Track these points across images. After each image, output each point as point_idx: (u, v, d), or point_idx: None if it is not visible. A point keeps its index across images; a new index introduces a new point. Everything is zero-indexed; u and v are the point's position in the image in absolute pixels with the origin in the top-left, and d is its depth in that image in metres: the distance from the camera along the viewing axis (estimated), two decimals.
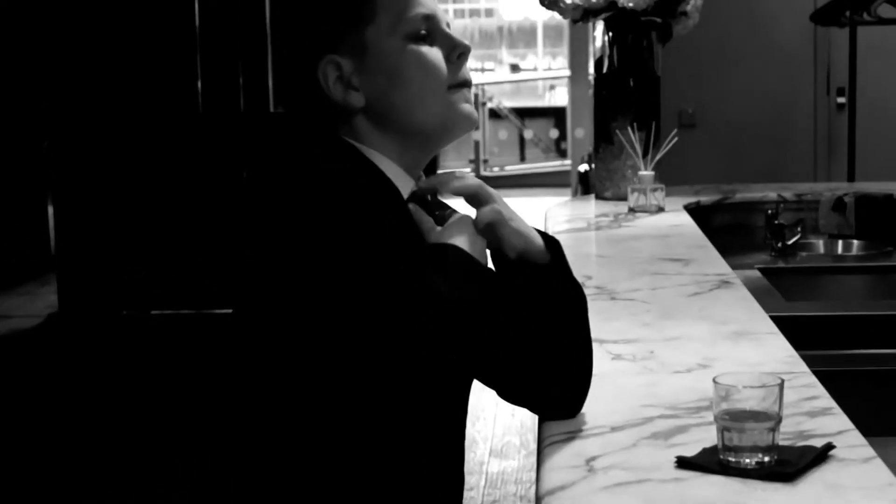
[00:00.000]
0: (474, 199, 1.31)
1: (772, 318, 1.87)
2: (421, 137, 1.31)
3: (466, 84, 1.32)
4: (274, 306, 1.18)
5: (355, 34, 1.28)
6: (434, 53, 1.29)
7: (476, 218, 1.31)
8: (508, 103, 11.58)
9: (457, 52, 1.31)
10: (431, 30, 1.30)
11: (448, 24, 1.34)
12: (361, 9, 1.27)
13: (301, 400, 1.21)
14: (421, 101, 1.28)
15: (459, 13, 13.64)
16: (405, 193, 1.31)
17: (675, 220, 2.97)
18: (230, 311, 1.26)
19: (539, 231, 1.37)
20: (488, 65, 13.25)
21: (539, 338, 1.26)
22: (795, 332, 1.86)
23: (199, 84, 6.00)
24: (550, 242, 1.36)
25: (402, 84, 1.28)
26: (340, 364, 1.18)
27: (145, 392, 4.78)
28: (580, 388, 1.35)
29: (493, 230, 1.31)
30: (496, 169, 11.05)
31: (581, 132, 8.85)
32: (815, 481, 1.14)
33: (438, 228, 1.30)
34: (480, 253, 1.28)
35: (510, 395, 1.30)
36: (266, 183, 1.24)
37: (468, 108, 1.32)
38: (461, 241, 1.26)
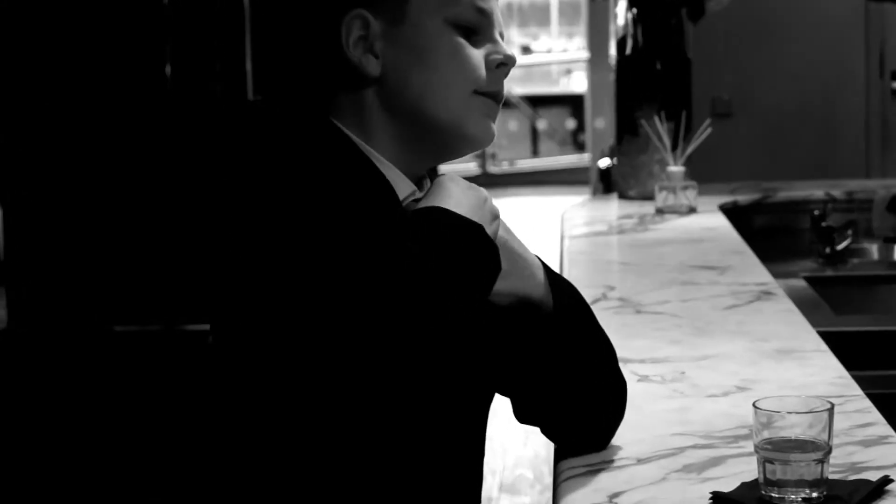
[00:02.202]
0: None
1: (819, 333, 1.87)
2: (428, 133, 1.30)
3: (497, 97, 1.32)
4: (250, 311, 1.19)
5: None
6: (473, 52, 1.29)
7: None
8: (519, 90, 11.60)
9: (498, 61, 1.31)
10: (481, 27, 1.30)
11: (501, 34, 1.33)
12: None
13: (289, 407, 1.21)
14: (440, 92, 1.28)
15: None
16: (402, 196, 1.30)
17: (709, 222, 2.97)
18: (205, 326, 1.26)
19: (550, 270, 1.34)
20: None
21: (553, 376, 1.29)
22: (846, 349, 1.86)
23: (168, 69, 6.01)
24: (559, 283, 1.33)
25: (427, 68, 1.28)
26: (323, 367, 1.17)
27: (109, 418, 4.78)
28: (604, 424, 1.35)
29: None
30: (505, 164, 11.06)
31: (601, 123, 8.85)
32: None
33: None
34: (475, 210, 1.24)
35: (524, 415, 1.34)
36: (236, 175, 1.24)
37: (488, 122, 1.32)
38: (450, 202, 1.23)
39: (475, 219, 1.22)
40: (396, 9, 1.27)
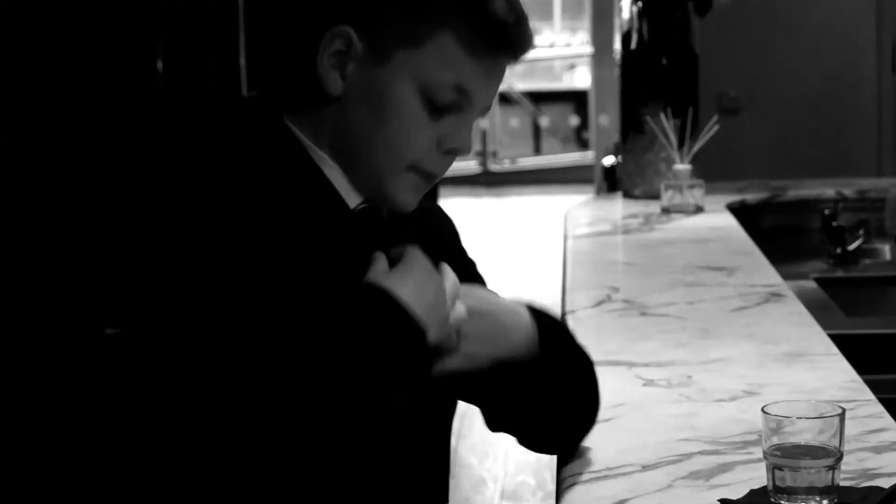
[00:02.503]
0: None
1: (830, 336, 1.86)
2: (357, 173, 1.30)
3: (432, 178, 1.31)
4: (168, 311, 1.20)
5: (389, 38, 1.26)
6: (428, 129, 1.27)
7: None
8: (520, 86, 11.61)
9: (449, 147, 1.29)
10: (454, 106, 1.28)
11: (486, 109, 1.31)
12: (418, 28, 1.25)
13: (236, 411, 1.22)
14: (379, 149, 1.27)
15: None
16: (353, 205, 1.31)
17: (717, 221, 2.96)
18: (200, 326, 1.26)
19: (537, 313, 1.37)
20: None
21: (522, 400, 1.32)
22: (858, 352, 1.85)
23: (161, 65, 6.00)
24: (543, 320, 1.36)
25: (378, 120, 1.27)
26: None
27: (105, 419, 4.77)
28: (577, 433, 1.38)
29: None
30: (507, 162, 11.06)
31: (605, 119, 8.85)
32: None
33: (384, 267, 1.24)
34: (430, 308, 1.20)
35: (495, 424, 1.37)
36: (168, 170, 1.26)
37: (412, 196, 1.30)
38: (407, 289, 1.19)
39: (425, 317, 1.19)
40: (382, 50, 1.26)
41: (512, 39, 1.29)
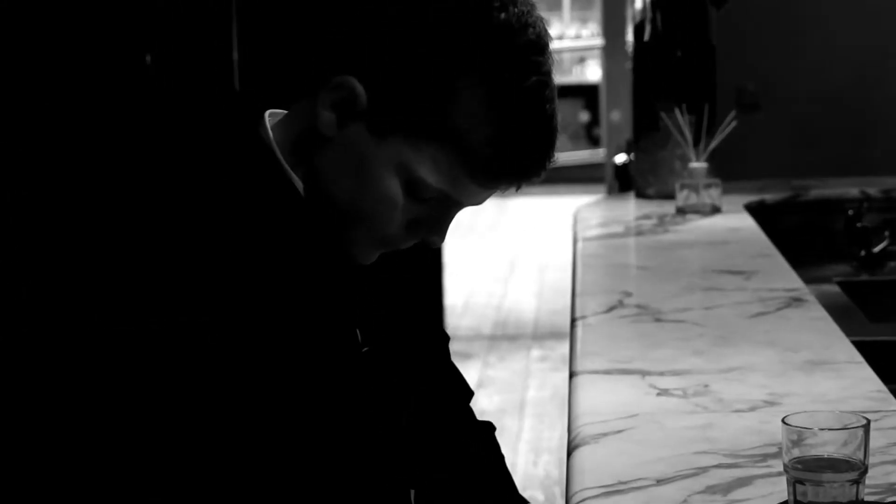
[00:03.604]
0: None
1: (854, 343, 1.86)
2: (321, 213, 1.31)
3: (395, 247, 1.33)
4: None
5: (390, 119, 1.25)
6: (404, 212, 1.28)
7: None
8: None
9: (417, 232, 1.30)
10: (434, 201, 1.28)
11: (469, 204, 1.32)
12: (420, 130, 1.24)
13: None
14: (349, 214, 1.28)
15: None
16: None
17: (734, 223, 2.96)
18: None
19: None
20: None
21: None
22: (883, 360, 1.86)
23: (149, 58, 6.01)
24: None
25: (354, 185, 1.27)
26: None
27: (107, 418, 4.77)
28: None
29: None
30: None
31: (617, 115, 8.85)
32: None
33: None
34: None
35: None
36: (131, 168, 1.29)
37: (373, 252, 1.32)
38: None
39: None
40: (381, 126, 1.26)
41: (527, 174, 1.28)
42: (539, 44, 1.26)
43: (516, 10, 1.24)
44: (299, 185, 1.30)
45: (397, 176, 1.26)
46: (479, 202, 1.31)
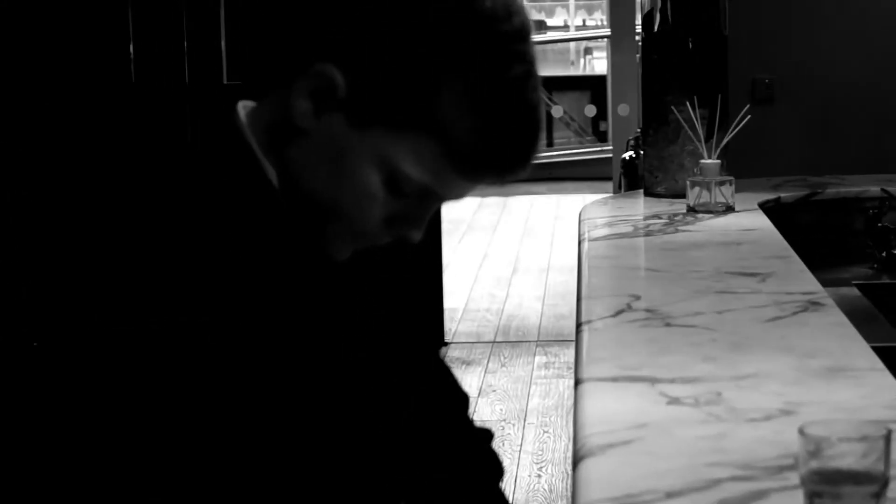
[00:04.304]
0: None
1: (874, 349, 1.86)
2: (295, 207, 1.31)
3: (372, 244, 1.33)
4: None
5: (372, 107, 1.26)
6: (383, 206, 1.28)
7: None
8: None
9: (399, 232, 1.31)
10: (415, 195, 1.28)
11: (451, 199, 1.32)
12: (404, 117, 1.24)
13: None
14: (320, 203, 1.29)
15: None
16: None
17: (749, 222, 2.96)
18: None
19: None
20: None
21: None
22: None
23: (132, 49, 6.01)
24: None
25: (330, 176, 1.28)
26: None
27: (108, 418, 4.78)
28: None
29: None
30: None
31: (625, 109, 8.86)
32: None
33: None
34: None
35: None
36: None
37: (342, 249, 1.32)
38: None
39: None
40: (362, 116, 1.26)
41: (512, 167, 1.28)
42: (523, 32, 1.27)
43: None
44: (274, 179, 1.31)
45: (377, 170, 1.27)
46: (460, 196, 1.31)
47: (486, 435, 1.59)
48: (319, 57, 1.26)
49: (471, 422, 1.59)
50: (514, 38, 1.26)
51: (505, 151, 1.27)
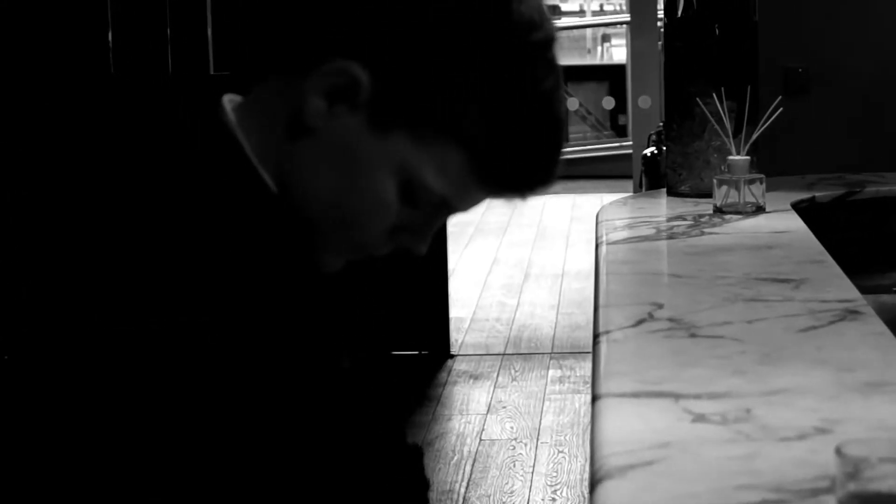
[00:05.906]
0: None
1: None
2: (292, 210, 1.32)
3: (371, 255, 1.34)
4: None
5: (396, 112, 1.26)
6: (387, 219, 1.29)
7: None
8: None
9: (400, 239, 1.32)
10: (428, 206, 1.29)
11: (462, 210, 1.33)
12: (428, 127, 1.25)
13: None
14: (324, 210, 1.29)
15: None
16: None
17: (781, 223, 2.97)
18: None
19: None
20: None
21: None
22: None
23: (111, 37, 6.02)
24: None
25: (340, 182, 1.28)
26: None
27: (108, 417, 4.79)
28: None
29: None
30: None
31: (647, 101, 8.86)
32: None
33: None
34: None
35: None
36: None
37: (335, 260, 1.33)
38: None
39: None
40: (384, 120, 1.26)
41: (538, 182, 1.30)
42: (552, 39, 1.29)
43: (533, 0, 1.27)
44: (269, 181, 1.31)
45: (394, 177, 1.27)
46: (471, 209, 1.33)
47: (416, 452, 1.59)
48: (337, 52, 1.26)
49: (403, 439, 1.59)
50: (546, 46, 1.28)
51: (532, 166, 1.29)
